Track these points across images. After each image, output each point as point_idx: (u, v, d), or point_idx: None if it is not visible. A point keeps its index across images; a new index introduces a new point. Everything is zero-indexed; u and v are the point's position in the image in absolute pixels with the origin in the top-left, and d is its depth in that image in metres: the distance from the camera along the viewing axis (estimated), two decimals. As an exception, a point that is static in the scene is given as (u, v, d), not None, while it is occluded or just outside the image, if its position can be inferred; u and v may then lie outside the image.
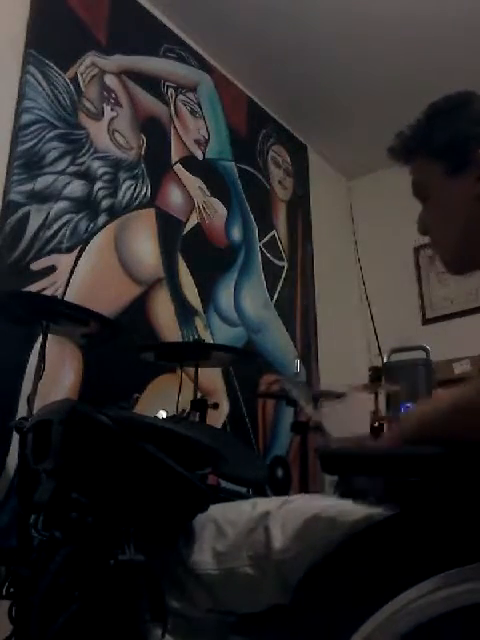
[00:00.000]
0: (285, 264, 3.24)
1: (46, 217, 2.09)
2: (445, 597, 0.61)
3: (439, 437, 0.70)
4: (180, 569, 0.87)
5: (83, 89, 2.36)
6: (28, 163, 2.07)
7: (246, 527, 0.84)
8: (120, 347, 2.02)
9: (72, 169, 2.22)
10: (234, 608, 0.86)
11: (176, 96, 2.81)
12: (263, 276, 3.03)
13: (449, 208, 0.92)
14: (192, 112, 2.88)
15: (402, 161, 0.97)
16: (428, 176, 0.93)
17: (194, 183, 2.77)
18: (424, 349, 3.05)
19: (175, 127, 2.76)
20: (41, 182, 2.10)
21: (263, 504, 0.88)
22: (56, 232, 2.11)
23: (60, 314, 1.65)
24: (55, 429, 0.90)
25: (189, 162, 2.78)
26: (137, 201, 2.46)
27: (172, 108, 2.77)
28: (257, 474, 1.65)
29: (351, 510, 0.78)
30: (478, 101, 0.91)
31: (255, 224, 3.07)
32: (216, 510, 0.91)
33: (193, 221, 2.71)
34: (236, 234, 2.93)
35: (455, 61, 2.96)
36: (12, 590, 1.17)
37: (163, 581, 0.87)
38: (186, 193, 2.72)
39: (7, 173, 2.01)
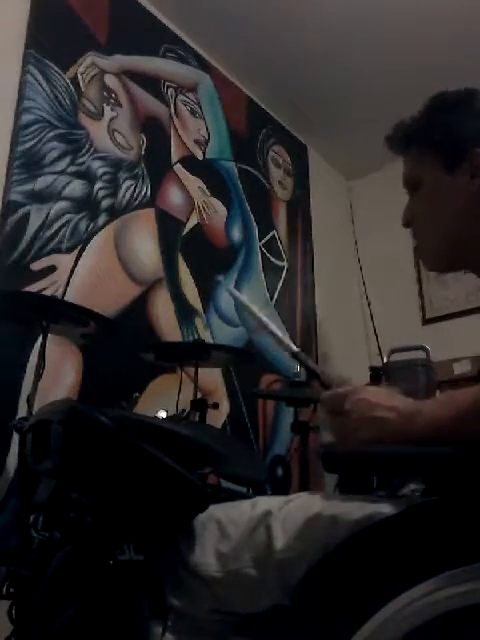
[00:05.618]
0: (285, 264, 3.24)
1: (46, 217, 2.08)
2: (447, 597, 0.61)
3: (455, 438, 0.68)
4: (182, 569, 0.87)
5: (83, 89, 2.36)
6: (28, 163, 2.07)
7: (248, 527, 0.84)
8: (120, 347, 2.02)
9: (72, 169, 2.22)
10: (236, 608, 0.86)
11: (176, 96, 2.81)
12: (263, 276, 3.03)
13: (440, 202, 0.91)
14: (192, 112, 2.88)
15: (399, 150, 0.97)
16: (422, 168, 0.93)
17: (194, 183, 2.77)
18: (424, 349, 3.05)
19: (175, 127, 2.76)
20: (41, 182, 2.10)
21: (264, 503, 0.87)
22: (56, 232, 2.11)
23: (60, 314, 1.65)
24: (55, 429, 0.90)
25: (189, 162, 2.78)
26: (137, 201, 2.46)
27: (172, 108, 2.77)
28: (257, 474, 1.65)
29: (352, 509, 0.78)
30: (477, 98, 0.91)
31: (255, 224, 3.07)
32: (217, 509, 0.91)
33: (193, 221, 2.71)
34: (236, 234, 2.93)
35: (456, 60, 2.96)
36: (12, 590, 1.17)
37: (165, 580, 0.87)
38: (186, 193, 2.72)
39: (7, 173, 2.01)
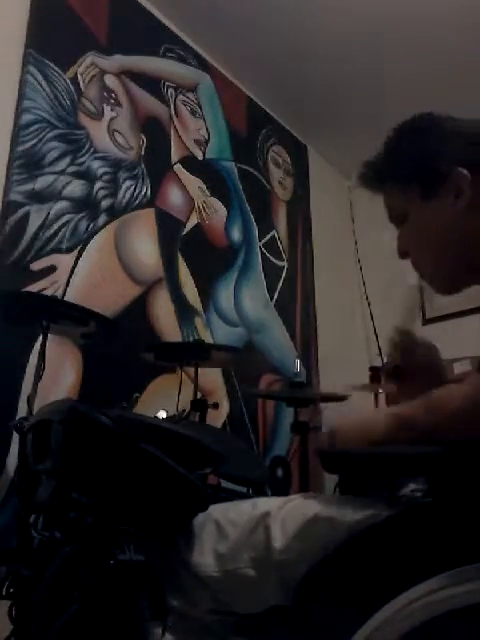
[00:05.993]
0: (285, 264, 3.24)
1: (46, 217, 2.08)
2: (446, 597, 0.61)
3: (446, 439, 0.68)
4: (181, 569, 0.87)
5: (83, 89, 2.36)
6: (28, 163, 2.07)
7: (247, 527, 0.84)
8: (120, 347, 2.02)
9: (72, 169, 2.22)
10: (235, 609, 0.86)
11: (176, 96, 2.81)
12: (263, 276, 3.03)
13: (430, 230, 0.90)
14: (192, 112, 2.88)
15: (373, 189, 0.96)
16: (403, 201, 0.92)
17: (194, 183, 2.77)
18: (424, 349, 3.04)
19: (175, 127, 2.76)
20: (41, 182, 2.10)
21: (263, 504, 0.87)
22: (56, 232, 2.11)
23: (60, 314, 1.65)
24: (55, 429, 0.90)
25: (189, 162, 2.78)
26: (137, 201, 2.46)
27: (172, 108, 2.77)
28: (257, 474, 1.65)
29: (352, 510, 0.78)
30: (441, 120, 0.90)
31: (255, 224, 3.07)
32: (217, 509, 0.91)
33: (193, 221, 2.71)
34: (236, 234, 2.93)
35: (455, 61, 2.96)
36: (12, 590, 1.17)
37: (164, 580, 0.87)
38: (186, 193, 2.72)
39: (7, 173, 2.01)
